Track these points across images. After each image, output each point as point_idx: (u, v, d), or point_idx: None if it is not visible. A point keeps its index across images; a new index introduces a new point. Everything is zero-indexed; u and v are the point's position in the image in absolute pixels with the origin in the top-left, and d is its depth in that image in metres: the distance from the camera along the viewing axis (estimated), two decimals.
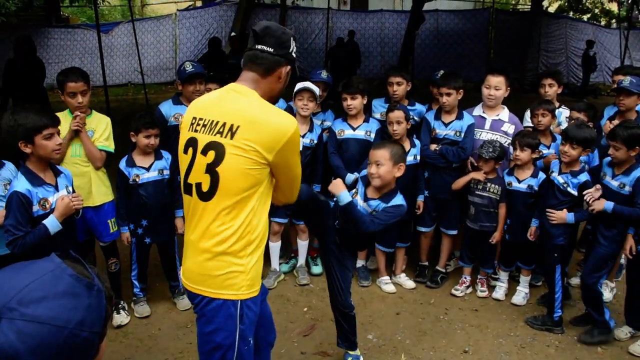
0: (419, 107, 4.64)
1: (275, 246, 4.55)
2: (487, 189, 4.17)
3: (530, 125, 4.47)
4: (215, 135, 2.07)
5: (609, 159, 3.73)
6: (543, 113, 4.28)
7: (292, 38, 2.21)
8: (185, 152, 2.18)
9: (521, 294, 4.26)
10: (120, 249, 4.10)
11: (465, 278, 4.43)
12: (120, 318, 3.94)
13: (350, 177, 3.59)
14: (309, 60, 16.89)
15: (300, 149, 4.14)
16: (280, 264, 4.71)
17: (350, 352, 3.46)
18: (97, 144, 3.74)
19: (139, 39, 15.48)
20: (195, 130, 2.14)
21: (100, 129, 3.78)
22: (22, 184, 2.84)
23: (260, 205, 2.14)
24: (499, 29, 17.04)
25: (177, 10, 18.13)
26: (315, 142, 4.29)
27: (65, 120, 3.63)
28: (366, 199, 3.23)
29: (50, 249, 2.88)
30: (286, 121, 2.09)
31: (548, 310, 3.91)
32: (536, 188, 4.06)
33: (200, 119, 2.14)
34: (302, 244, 4.61)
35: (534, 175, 4.10)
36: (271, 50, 2.14)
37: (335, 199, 3.09)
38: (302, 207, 3.03)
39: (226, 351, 2.15)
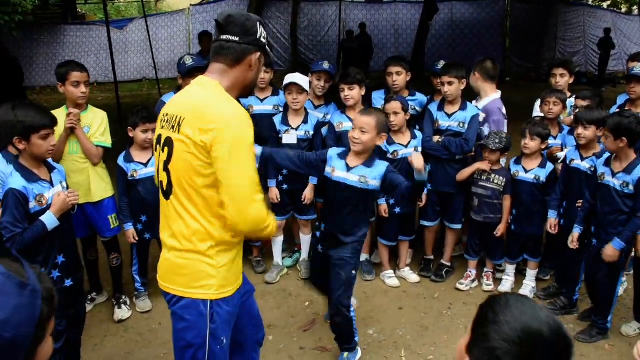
0: (419, 97, 4.55)
1: (278, 240, 4.51)
2: (491, 180, 4.08)
3: (540, 114, 4.36)
4: (169, 130, 2.04)
5: (603, 158, 3.58)
6: (555, 102, 4.18)
7: (258, 23, 2.13)
8: (156, 149, 2.15)
9: (528, 288, 4.17)
10: (122, 244, 4.10)
11: (471, 272, 4.35)
12: (122, 313, 3.94)
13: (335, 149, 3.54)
14: (322, 52, 16.82)
15: (295, 142, 4.16)
16: (283, 258, 4.68)
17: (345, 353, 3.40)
18: (93, 140, 3.73)
19: (153, 34, 15.59)
20: (162, 127, 2.11)
21: (96, 124, 3.77)
22: (17, 181, 2.82)
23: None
24: (515, 18, 16.76)
25: (191, 5, 18.16)
26: (312, 133, 4.23)
27: (62, 118, 3.63)
28: (349, 169, 3.19)
29: (49, 245, 2.92)
30: (233, 111, 1.96)
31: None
32: (543, 179, 3.97)
33: (166, 115, 2.10)
34: (305, 239, 4.56)
35: (542, 165, 4.00)
36: (237, 39, 2.07)
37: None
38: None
39: (197, 350, 2.12)
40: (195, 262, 2.06)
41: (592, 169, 3.65)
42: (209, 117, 1.92)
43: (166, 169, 2.04)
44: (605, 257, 3.43)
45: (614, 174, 3.45)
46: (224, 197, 1.94)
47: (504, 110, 4.32)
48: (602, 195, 3.53)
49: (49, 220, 2.85)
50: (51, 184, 2.97)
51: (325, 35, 17.06)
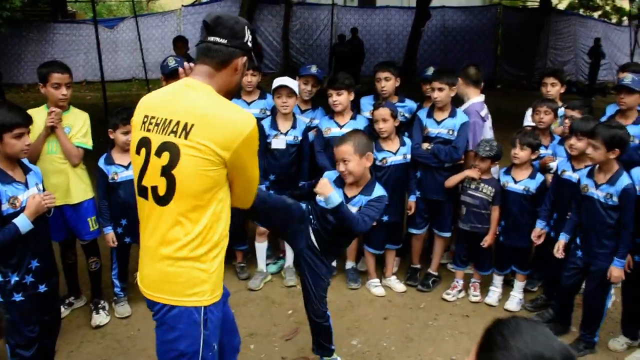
0: (409, 103, 4.49)
1: (261, 246, 4.42)
2: (480, 189, 4.02)
3: (531, 124, 4.31)
4: (169, 135, 1.95)
5: (586, 170, 3.54)
6: (546, 111, 4.12)
7: (246, 27, 2.08)
8: (138, 152, 2.05)
9: (515, 300, 4.10)
10: (101, 248, 3.99)
11: (458, 282, 4.28)
12: (100, 318, 3.83)
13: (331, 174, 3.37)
14: (314, 56, 16.78)
15: (283, 147, 4.09)
16: (267, 264, 4.59)
17: (326, 358, 3.32)
18: (73, 141, 3.63)
19: (144, 34, 15.45)
20: (148, 130, 2.02)
21: (78, 125, 3.67)
22: None
23: (222, 207, 2.03)
24: (507, 26, 16.82)
25: (182, 5, 18.05)
26: (300, 138, 4.15)
27: (42, 116, 3.53)
28: (347, 199, 3.07)
29: (22, 249, 2.81)
30: (243, 118, 1.97)
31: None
32: (533, 190, 3.91)
33: (153, 118, 2.02)
34: None
35: (532, 176, 3.94)
36: (224, 41, 2.02)
37: (320, 200, 2.96)
38: (255, 211, 2.82)
39: (190, 358, 2.06)
40: (189, 269, 2.00)
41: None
42: (231, 136, 1.92)
43: (166, 175, 1.95)
44: (614, 280, 3.38)
45: (597, 186, 3.40)
46: (238, 188, 2.08)
47: (482, 113, 4.28)
48: (586, 207, 3.48)
49: (22, 223, 2.75)
50: (26, 185, 2.87)
51: (317, 39, 17.03)
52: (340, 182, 3.12)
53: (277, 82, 4.00)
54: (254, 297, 4.23)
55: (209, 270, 2.03)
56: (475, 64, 4.45)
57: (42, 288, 2.94)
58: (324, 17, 16.82)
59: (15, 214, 2.78)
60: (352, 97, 4.15)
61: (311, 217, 3.08)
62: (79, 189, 3.70)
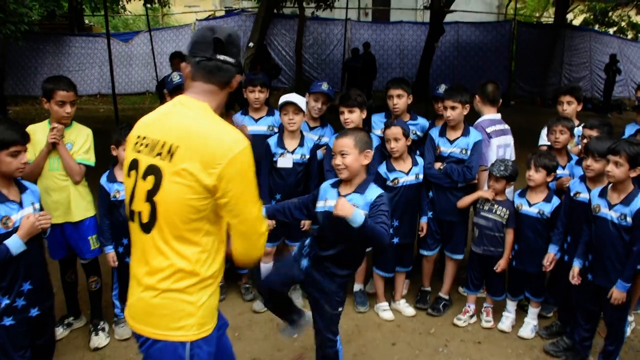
0: (421, 121, 4.37)
1: (267, 267, 4.29)
2: (494, 211, 3.88)
3: (547, 143, 4.17)
4: (155, 157, 1.85)
5: (597, 190, 3.40)
6: (561, 130, 3.97)
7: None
8: (129, 175, 1.95)
9: (529, 326, 3.93)
10: (102, 267, 3.90)
11: (469, 306, 4.12)
12: (98, 340, 3.73)
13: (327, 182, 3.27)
14: (327, 71, 16.76)
15: (290, 165, 3.97)
16: None
17: None
18: (75, 157, 3.56)
19: (159, 48, 15.55)
20: (139, 151, 1.92)
21: (80, 142, 3.60)
22: None
23: (212, 243, 1.91)
24: (521, 42, 16.65)
25: (197, 20, 18.16)
26: (308, 157, 4.03)
27: (44, 132, 3.47)
28: (339, 196, 2.92)
29: (14, 271, 2.71)
30: (232, 138, 1.84)
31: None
32: (548, 214, 3.76)
33: (144, 138, 1.91)
34: None
35: (547, 199, 3.78)
36: (233, 61, 1.94)
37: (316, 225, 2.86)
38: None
39: None
40: (174, 301, 1.88)
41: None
42: (215, 156, 1.78)
43: (150, 200, 1.85)
44: (614, 301, 3.22)
45: (610, 206, 3.26)
46: (234, 232, 1.91)
47: (489, 130, 4.15)
48: (598, 229, 3.33)
49: (14, 244, 2.66)
50: (20, 205, 2.78)
51: (330, 54, 16.99)
52: (336, 184, 3.01)
53: (284, 98, 3.90)
54: (259, 320, 4.10)
55: (197, 303, 1.90)
56: (494, 81, 4.33)
57: (35, 312, 2.84)
58: (337, 32, 16.81)
59: (8, 234, 2.69)
60: (364, 116, 4.04)
61: (307, 248, 3.01)
62: (80, 206, 3.62)
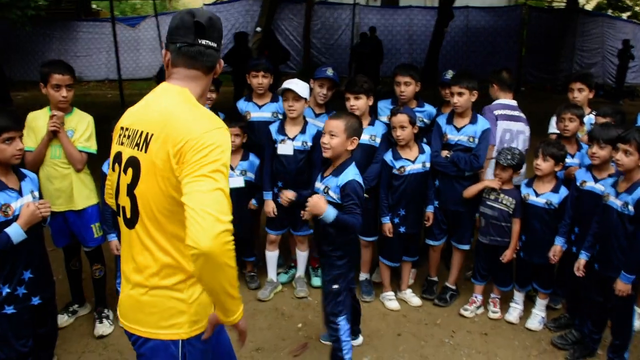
0: (428, 108, 4.28)
1: (272, 256, 4.27)
2: (500, 200, 3.81)
3: (556, 131, 4.08)
4: (134, 148, 1.78)
5: (611, 179, 3.32)
6: (571, 118, 3.88)
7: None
8: (113, 168, 1.89)
9: (537, 318, 3.88)
10: (106, 255, 3.88)
11: (476, 297, 4.07)
12: (103, 328, 3.72)
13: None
14: (335, 56, 16.60)
15: (290, 153, 3.93)
16: (278, 273, 4.43)
17: None
18: (77, 145, 3.51)
19: (165, 32, 15.44)
20: (122, 143, 1.86)
21: (81, 129, 3.55)
22: None
23: None
24: (532, 27, 16.41)
25: (204, 4, 18.02)
26: (310, 144, 3.97)
27: (45, 119, 3.42)
28: (322, 178, 3.16)
29: (14, 259, 2.69)
30: (202, 121, 1.72)
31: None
32: (555, 205, 3.68)
33: (126, 129, 1.85)
34: (302, 255, 4.31)
35: (555, 189, 3.70)
36: (215, 45, 1.86)
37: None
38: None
39: None
40: (164, 298, 1.81)
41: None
42: (179, 134, 1.67)
43: (130, 194, 1.79)
44: (618, 293, 3.16)
45: (617, 194, 3.19)
46: (186, 214, 1.58)
47: (498, 112, 4.13)
48: (605, 217, 3.27)
49: (15, 233, 2.63)
50: (20, 193, 2.75)
51: (339, 39, 16.83)
52: (327, 165, 3.20)
53: (285, 84, 3.83)
54: (263, 309, 4.08)
55: (188, 300, 1.83)
56: (507, 67, 4.28)
57: (36, 300, 2.82)
58: (346, 16, 16.63)
59: (7, 223, 2.67)
60: (370, 102, 3.95)
61: None
62: (82, 195, 3.59)
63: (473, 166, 3.86)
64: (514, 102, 4.24)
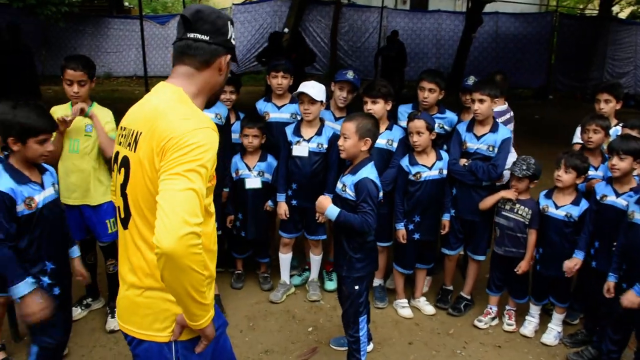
0: (449, 115, 4.20)
1: (286, 258, 4.25)
2: (515, 210, 3.73)
3: (580, 141, 3.99)
4: (126, 148, 1.78)
5: (636, 196, 3.20)
6: (595, 129, 3.78)
7: (229, 22, 1.86)
8: (113, 168, 1.90)
9: (553, 333, 3.78)
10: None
11: (491, 308, 3.99)
12: (114, 322, 3.73)
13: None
14: (361, 59, 16.57)
15: (305, 154, 3.91)
16: (292, 275, 4.41)
17: None
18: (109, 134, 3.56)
19: None
20: (120, 143, 1.86)
21: (103, 122, 3.56)
22: (4, 182, 2.64)
23: None
24: (563, 34, 16.10)
25: (233, 4, 18.14)
26: (325, 146, 3.94)
27: (65, 113, 3.46)
28: (341, 177, 3.22)
29: (36, 250, 2.67)
30: (184, 121, 1.66)
31: None
32: (575, 217, 3.58)
33: (124, 129, 1.84)
34: (315, 259, 4.28)
35: (575, 202, 3.60)
36: (206, 38, 1.79)
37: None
38: None
39: None
40: (158, 300, 1.79)
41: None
42: (163, 133, 1.64)
43: (123, 194, 1.78)
44: (623, 302, 3.07)
45: None
46: (159, 206, 1.56)
47: (501, 120, 4.09)
48: (631, 235, 3.16)
49: (21, 288, 2.57)
50: (42, 186, 2.79)
51: (366, 41, 16.77)
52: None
53: (300, 88, 3.81)
54: (275, 311, 4.06)
55: None
56: (501, 70, 4.20)
57: (57, 290, 2.86)
58: (374, 19, 16.57)
59: (31, 215, 2.69)
60: (389, 107, 3.91)
61: None
62: (98, 191, 3.62)
63: (491, 176, 3.79)
64: (506, 105, 4.24)
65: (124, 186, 1.78)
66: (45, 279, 2.79)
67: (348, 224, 2.99)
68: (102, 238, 3.73)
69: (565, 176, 3.54)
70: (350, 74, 4.10)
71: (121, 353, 3.52)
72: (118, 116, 3.65)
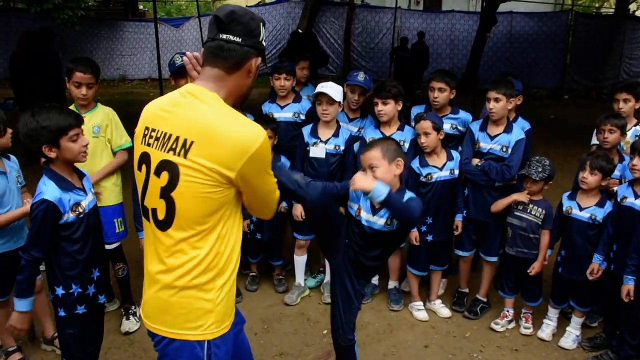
0: (463, 115, 4.16)
1: (301, 260, 4.24)
2: (529, 210, 3.67)
3: (596, 142, 3.93)
4: (168, 152, 1.75)
5: None
6: (610, 129, 3.72)
7: (261, 24, 1.84)
8: (139, 169, 1.87)
9: (571, 336, 3.72)
10: (127, 253, 3.92)
11: (508, 311, 3.94)
12: (129, 324, 3.76)
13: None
14: (375, 60, 16.56)
15: (322, 156, 3.90)
16: (306, 278, 4.40)
17: None
18: (114, 147, 3.59)
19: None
20: (148, 144, 1.83)
21: (106, 122, 3.58)
22: (51, 191, 2.55)
23: (229, 228, 1.83)
24: (578, 33, 15.90)
25: (246, 5, 18.19)
26: (342, 148, 3.92)
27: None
28: (374, 211, 2.81)
29: (85, 260, 2.63)
30: (250, 132, 1.74)
31: None
32: (599, 219, 3.52)
33: (153, 130, 1.82)
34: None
35: (600, 204, 3.54)
36: (239, 40, 1.77)
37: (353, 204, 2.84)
38: (313, 212, 2.69)
39: None
40: (192, 299, 1.81)
41: None
42: (234, 154, 1.70)
43: (166, 197, 1.77)
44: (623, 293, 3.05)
45: None
46: (251, 204, 1.91)
47: None
48: None
49: (24, 303, 2.56)
50: (84, 191, 2.73)
51: (379, 42, 16.75)
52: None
53: (318, 88, 3.80)
54: (289, 313, 4.05)
55: (215, 300, 1.82)
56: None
57: (102, 299, 2.82)
58: (387, 20, 16.54)
59: (80, 220, 2.64)
60: (399, 108, 3.89)
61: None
62: (112, 193, 3.65)
63: (504, 177, 3.74)
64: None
65: (167, 190, 1.76)
66: (91, 288, 2.72)
67: (399, 205, 2.60)
68: (108, 238, 3.70)
69: (590, 178, 3.48)
70: (360, 76, 4.08)
71: (135, 355, 3.53)
72: (133, 119, 3.68)
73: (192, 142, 1.71)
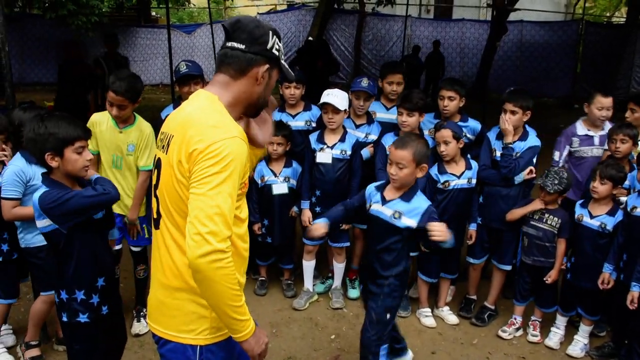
0: (472, 123, 4.20)
1: (309, 265, 4.27)
2: (545, 220, 3.69)
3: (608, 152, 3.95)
4: (161, 150, 1.84)
5: None
6: (622, 139, 3.75)
7: (271, 32, 1.85)
8: (153, 172, 1.95)
9: (579, 345, 3.72)
10: (150, 257, 3.96)
11: (516, 319, 3.95)
12: (140, 327, 3.81)
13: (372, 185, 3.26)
14: None
15: (329, 161, 3.97)
16: (315, 283, 4.43)
17: None
18: (140, 165, 3.61)
19: (220, 40, 15.76)
20: (157, 147, 1.92)
21: (140, 143, 3.59)
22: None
23: None
24: (589, 43, 15.86)
25: (258, 13, 18.35)
26: (349, 153, 3.97)
27: (107, 123, 3.54)
28: (384, 202, 2.98)
29: (93, 264, 2.59)
30: (218, 128, 1.69)
31: None
32: (609, 228, 3.53)
33: (163, 133, 1.89)
34: (339, 267, 4.30)
35: (611, 213, 3.55)
36: (242, 46, 1.81)
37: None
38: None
39: None
40: (185, 302, 1.83)
41: None
42: (191, 139, 1.68)
43: (155, 195, 1.84)
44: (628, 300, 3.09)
45: None
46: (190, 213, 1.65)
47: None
48: None
49: None
50: None
51: (389, 50, 16.78)
52: (381, 187, 3.08)
53: (323, 97, 3.86)
54: (298, 318, 4.08)
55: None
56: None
57: (105, 310, 2.70)
58: (397, 28, 16.58)
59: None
60: (422, 119, 3.95)
61: None
62: (142, 206, 3.72)
63: (510, 166, 3.74)
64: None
65: (156, 188, 1.83)
66: (95, 297, 2.64)
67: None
68: (137, 242, 3.80)
69: (601, 187, 3.50)
70: (364, 82, 4.12)
71: (145, 357, 3.57)
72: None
73: (172, 136, 1.77)
